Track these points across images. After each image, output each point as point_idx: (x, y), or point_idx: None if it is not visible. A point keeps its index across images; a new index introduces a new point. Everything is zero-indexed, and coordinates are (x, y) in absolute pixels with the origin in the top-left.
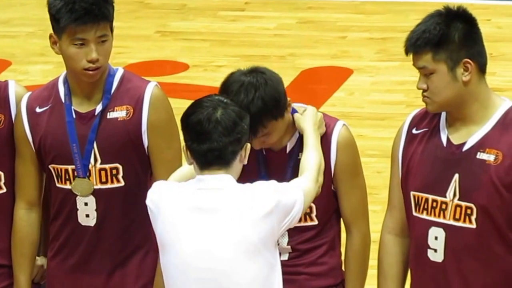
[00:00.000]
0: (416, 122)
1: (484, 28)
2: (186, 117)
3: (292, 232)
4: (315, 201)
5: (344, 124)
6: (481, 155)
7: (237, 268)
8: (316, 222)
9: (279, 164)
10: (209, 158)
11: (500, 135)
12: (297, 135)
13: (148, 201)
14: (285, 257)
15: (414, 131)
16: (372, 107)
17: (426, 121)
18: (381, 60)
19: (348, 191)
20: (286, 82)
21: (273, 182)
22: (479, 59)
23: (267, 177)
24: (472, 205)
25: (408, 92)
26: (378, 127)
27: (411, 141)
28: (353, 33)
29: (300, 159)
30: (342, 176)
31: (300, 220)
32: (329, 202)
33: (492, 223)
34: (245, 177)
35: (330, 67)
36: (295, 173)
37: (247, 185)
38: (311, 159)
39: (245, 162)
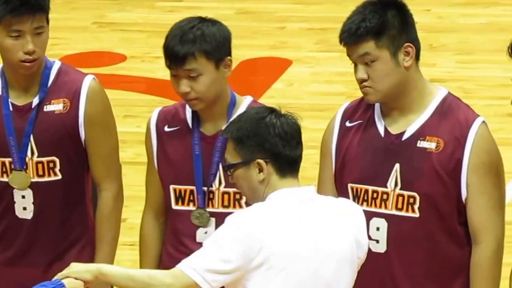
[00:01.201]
0: (348, 114)
1: (424, 19)
2: (266, 125)
3: (222, 220)
4: None
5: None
6: (421, 144)
7: (341, 283)
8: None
9: (211, 148)
10: (296, 163)
11: (439, 123)
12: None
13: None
14: None
15: (347, 124)
16: (312, 98)
17: (359, 113)
18: (321, 51)
19: None
20: None
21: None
22: (416, 44)
23: (201, 158)
24: (415, 194)
25: (348, 83)
26: (317, 119)
27: (345, 134)
28: (292, 24)
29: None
30: None
31: (228, 206)
32: None
33: (436, 211)
34: (179, 156)
35: (268, 58)
36: (222, 158)
37: (334, 199)
38: None
39: None
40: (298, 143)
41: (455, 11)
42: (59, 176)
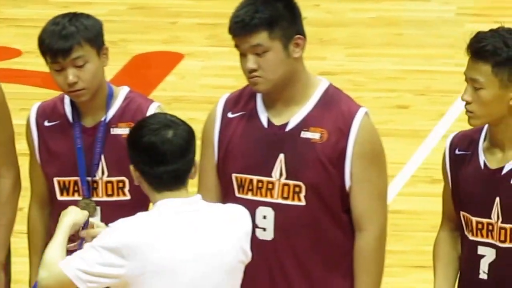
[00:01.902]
0: (230, 106)
1: (314, 14)
2: (136, 139)
3: (107, 208)
4: (129, 175)
5: (159, 105)
6: (305, 134)
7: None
8: (129, 197)
9: (92, 141)
10: (165, 180)
11: (323, 113)
12: (110, 112)
13: (127, 243)
14: None
15: (230, 115)
16: (203, 91)
17: (241, 105)
18: (212, 45)
19: None
20: (118, 67)
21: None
22: (303, 35)
23: (83, 151)
24: (300, 183)
25: (238, 77)
26: (209, 111)
27: (227, 125)
28: (184, 19)
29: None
30: None
31: (112, 194)
32: None
33: (321, 200)
34: (61, 150)
35: (161, 52)
36: (103, 148)
37: (221, 207)
38: None
39: (194, 178)
40: (171, 160)
41: (345, 6)
42: None
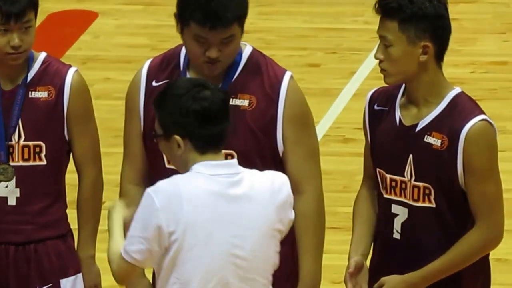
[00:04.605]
0: (154, 73)
1: None
2: (183, 108)
3: (22, 173)
4: (46, 140)
5: (76, 70)
6: (234, 101)
7: (261, 254)
8: (44, 162)
9: (10, 104)
10: (213, 139)
11: (250, 80)
12: (30, 76)
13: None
14: (13, 202)
15: (154, 83)
16: (118, 50)
17: (166, 73)
18: (125, 4)
19: (79, 136)
20: None
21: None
22: None
23: (1, 114)
24: (232, 152)
25: (152, 35)
26: (124, 70)
27: (152, 94)
28: None
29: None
30: (74, 121)
31: (28, 159)
32: (61, 143)
33: (253, 167)
34: None
35: (76, 10)
36: (21, 113)
37: (260, 173)
38: None
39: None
40: (216, 120)
41: None
42: None
